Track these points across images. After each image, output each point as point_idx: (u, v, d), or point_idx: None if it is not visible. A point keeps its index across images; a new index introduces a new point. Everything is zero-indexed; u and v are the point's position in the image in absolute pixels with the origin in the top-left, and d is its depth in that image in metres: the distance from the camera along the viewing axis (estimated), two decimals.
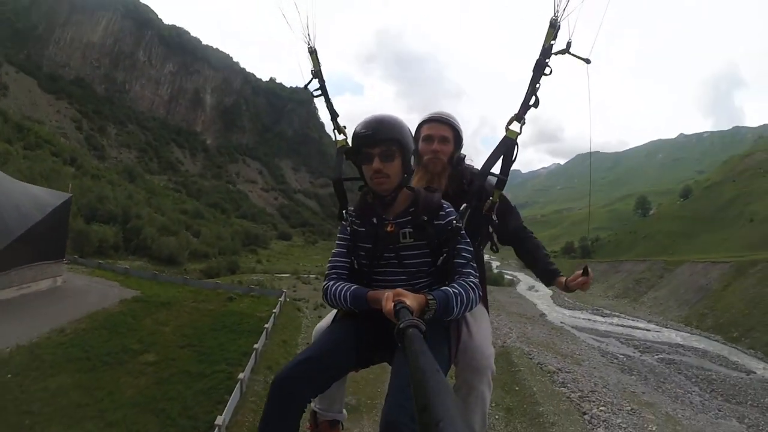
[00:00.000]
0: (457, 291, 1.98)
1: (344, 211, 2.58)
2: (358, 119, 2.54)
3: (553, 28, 2.50)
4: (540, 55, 2.55)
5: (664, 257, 75.52)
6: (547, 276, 2.79)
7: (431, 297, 1.86)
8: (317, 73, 2.94)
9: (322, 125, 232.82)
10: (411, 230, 2.19)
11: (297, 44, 2.87)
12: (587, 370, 28.63)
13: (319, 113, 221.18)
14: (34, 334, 21.62)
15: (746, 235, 78.83)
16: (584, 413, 21.16)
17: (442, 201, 2.26)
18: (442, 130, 2.84)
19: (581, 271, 2.56)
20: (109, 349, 21.35)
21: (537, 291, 75.52)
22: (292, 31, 2.81)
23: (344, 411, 2.54)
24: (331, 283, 2.22)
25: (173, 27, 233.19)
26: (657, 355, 35.76)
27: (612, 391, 24.99)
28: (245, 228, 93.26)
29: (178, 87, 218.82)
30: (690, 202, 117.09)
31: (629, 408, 22.32)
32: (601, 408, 21.99)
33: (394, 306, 1.66)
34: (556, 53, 2.55)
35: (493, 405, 22.11)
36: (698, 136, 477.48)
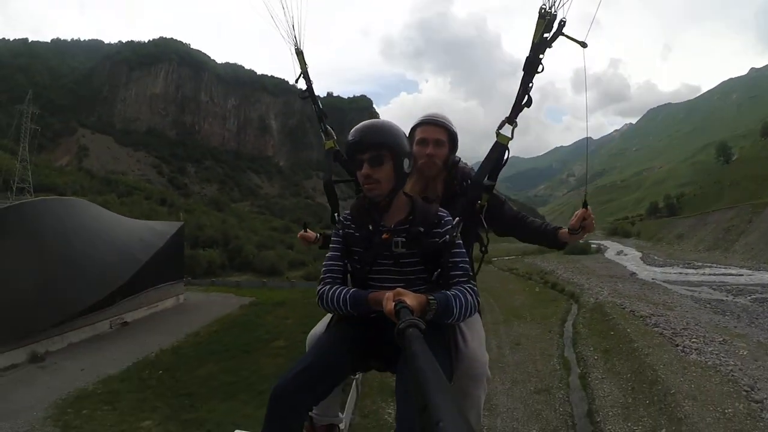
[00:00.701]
0: (455, 293, 1.96)
1: (336, 214, 2.69)
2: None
3: (544, 19, 2.34)
4: (531, 52, 2.41)
5: (753, 201, 71.85)
6: (550, 235, 2.67)
7: (432, 297, 1.84)
8: (304, 74, 3.04)
9: None
10: (403, 240, 2.12)
11: (287, 44, 2.97)
12: (679, 314, 29.04)
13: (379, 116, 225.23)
14: (173, 339, 25.11)
15: None
16: (677, 345, 21.97)
17: (440, 211, 2.20)
18: (437, 133, 2.69)
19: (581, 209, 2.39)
20: (243, 341, 24.70)
21: (626, 255, 74.56)
22: (280, 32, 2.90)
23: (340, 414, 2.54)
24: (327, 287, 2.14)
25: (227, 65, 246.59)
26: (750, 296, 35.14)
27: (704, 327, 25.51)
28: None
29: (244, 118, 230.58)
30: None
31: (721, 339, 22.90)
32: (693, 340, 22.68)
33: (395, 306, 1.64)
34: (548, 38, 2.36)
35: (592, 349, 23.72)
36: None
